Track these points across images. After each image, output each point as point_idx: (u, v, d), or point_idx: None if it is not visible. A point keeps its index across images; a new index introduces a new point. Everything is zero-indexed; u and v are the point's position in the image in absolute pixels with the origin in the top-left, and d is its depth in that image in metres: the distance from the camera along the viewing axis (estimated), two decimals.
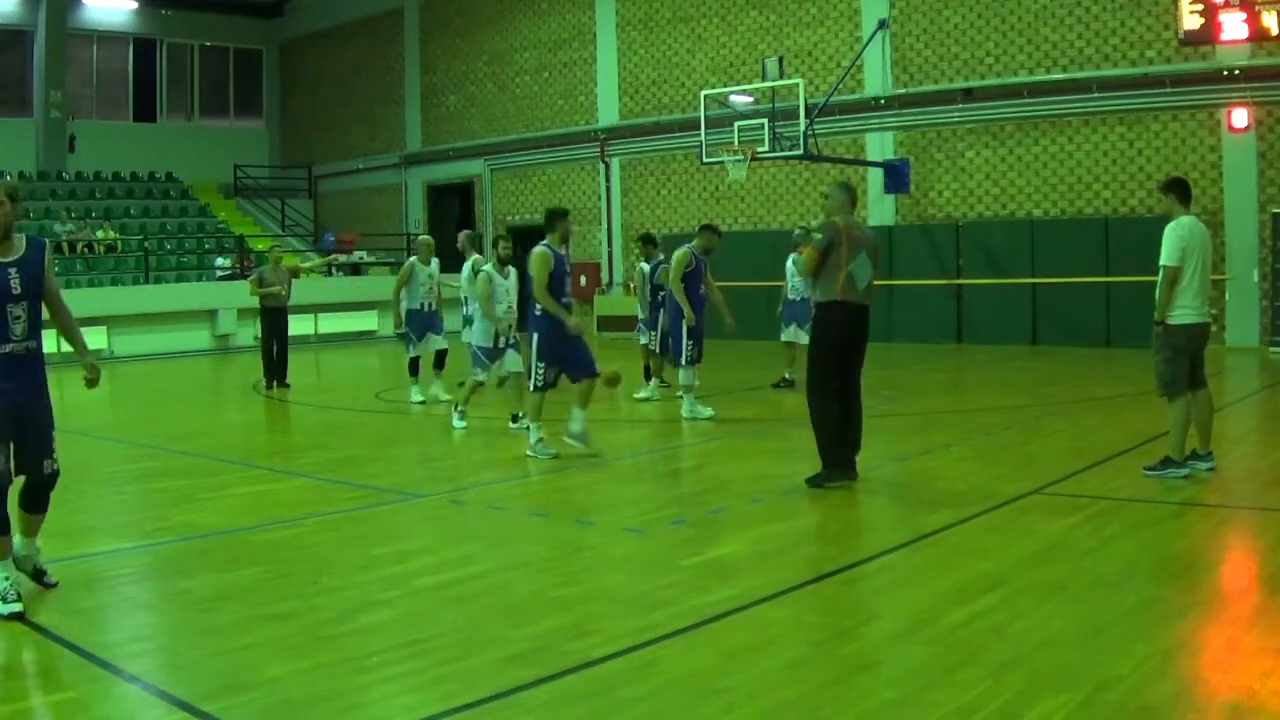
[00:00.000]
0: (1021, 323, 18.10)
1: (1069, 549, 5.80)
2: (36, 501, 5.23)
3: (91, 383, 5.33)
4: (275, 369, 14.69)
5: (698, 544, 6.18)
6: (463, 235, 13.05)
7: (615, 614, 5.00)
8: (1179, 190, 7.58)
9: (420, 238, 13.26)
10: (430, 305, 12.59)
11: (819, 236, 7.45)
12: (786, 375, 13.17)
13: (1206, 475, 7.44)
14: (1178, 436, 7.42)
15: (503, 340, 10.33)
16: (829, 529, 6.71)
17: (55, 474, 5.20)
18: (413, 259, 12.70)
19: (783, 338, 13.33)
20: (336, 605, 5.15)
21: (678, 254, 11.34)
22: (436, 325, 12.69)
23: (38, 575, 5.36)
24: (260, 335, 15.30)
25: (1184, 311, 7.35)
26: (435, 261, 12.76)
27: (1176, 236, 7.33)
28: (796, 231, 13.73)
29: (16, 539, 5.20)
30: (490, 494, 7.83)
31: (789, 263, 13.17)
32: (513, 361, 10.43)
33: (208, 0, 29.79)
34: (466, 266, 11.55)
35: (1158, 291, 7.43)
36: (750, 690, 4.00)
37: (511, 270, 10.60)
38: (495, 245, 10.71)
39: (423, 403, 12.58)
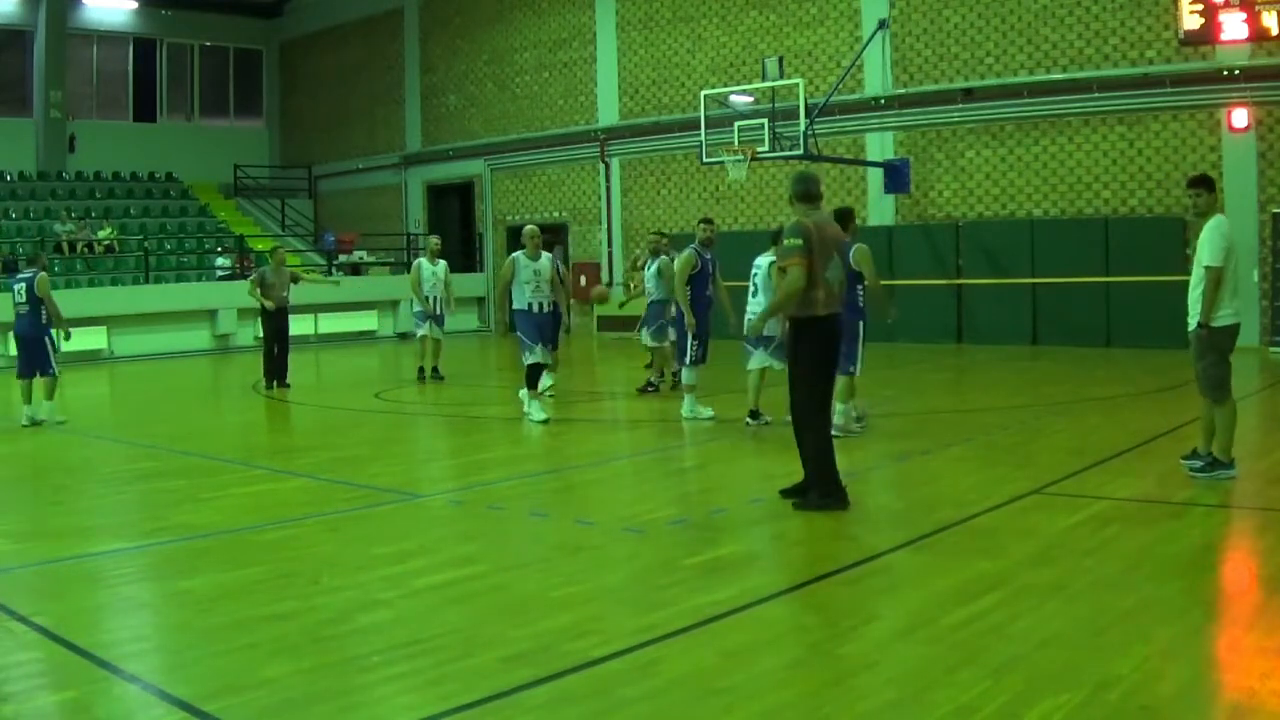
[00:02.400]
0: (1021, 323, 18.09)
1: (1069, 549, 5.80)
2: None
3: None
4: (276, 369, 14.69)
5: (698, 544, 6.18)
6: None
7: (615, 614, 5.00)
8: (1211, 186, 7.37)
9: (526, 228, 11.23)
10: (543, 305, 10.83)
11: (796, 241, 6.57)
12: (652, 380, 12.87)
13: (1199, 477, 7.40)
14: (1227, 438, 7.26)
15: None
16: (829, 529, 6.70)
17: None
18: (516, 254, 10.96)
19: (652, 342, 12.71)
20: (336, 605, 5.15)
21: (682, 256, 11.14)
22: (546, 331, 11.00)
23: None
24: (262, 335, 15.28)
25: (1226, 313, 7.18)
26: (545, 256, 11.01)
27: (1220, 235, 7.09)
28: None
29: None
30: (490, 494, 7.82)
31: (657, 266, 12.52)
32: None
33: (208, 0, 29.79)
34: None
35: (1194, 294, 7.22)
36: (750, 690, 4.00)
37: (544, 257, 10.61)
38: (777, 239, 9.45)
39: (546, 421, 10.74)
